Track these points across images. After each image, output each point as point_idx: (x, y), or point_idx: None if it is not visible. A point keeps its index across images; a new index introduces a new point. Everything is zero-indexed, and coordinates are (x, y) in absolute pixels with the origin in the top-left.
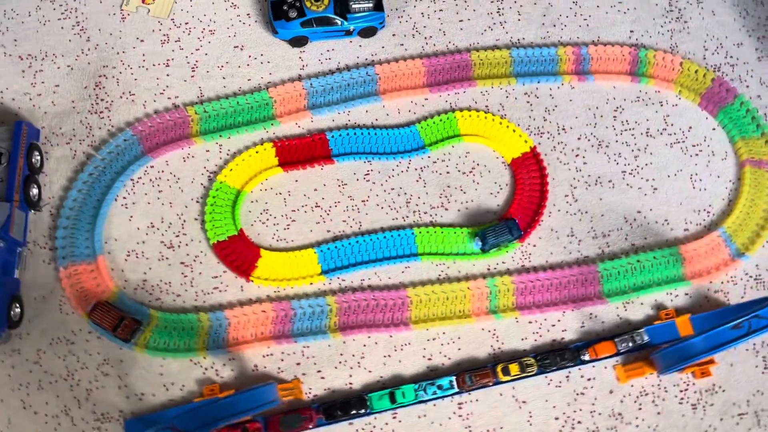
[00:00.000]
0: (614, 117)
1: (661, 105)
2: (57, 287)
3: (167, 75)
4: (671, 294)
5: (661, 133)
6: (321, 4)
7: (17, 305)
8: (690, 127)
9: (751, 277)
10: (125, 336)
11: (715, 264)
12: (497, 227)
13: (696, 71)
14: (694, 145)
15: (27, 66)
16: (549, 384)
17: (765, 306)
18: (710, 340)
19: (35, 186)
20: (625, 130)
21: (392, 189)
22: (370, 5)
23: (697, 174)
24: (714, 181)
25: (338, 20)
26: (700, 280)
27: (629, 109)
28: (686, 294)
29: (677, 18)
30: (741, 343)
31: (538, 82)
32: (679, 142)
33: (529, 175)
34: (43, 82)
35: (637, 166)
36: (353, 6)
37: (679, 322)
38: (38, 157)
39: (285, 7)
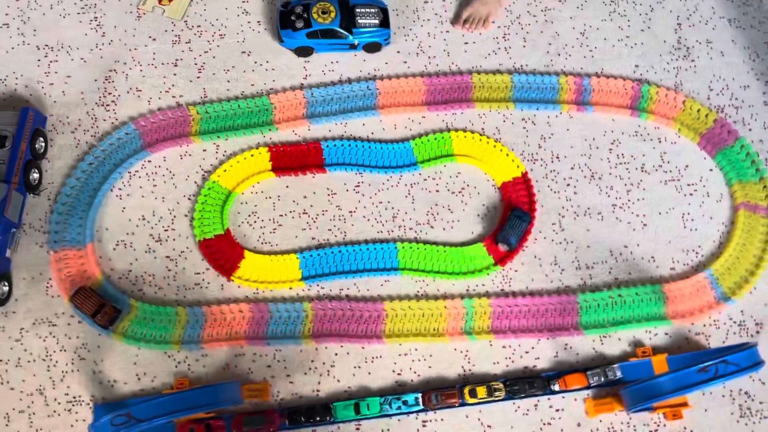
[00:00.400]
0: (610, 150)
1: (660, 141)
2: (46, 270)
3: (174, 74)
4: (650, 332)
5: (657, 170)
6: (328, 17)
7: (5, 283)
8: (687, 166)
9: (735, 322)
10: (104, 323)
11: (698, 306)
12: (511, 224)
13: (698, 110)
14: (689, 185)
15: (43, 56)
16: (516, 411)
17: (735, 352)
18: (676, 381)
19: (36, 171)
20: (620, 163)
21: (380, 202)
22: (376, 22)
23: (689, 213)
24: (706, 222)
25: (344, 34)
26: (682, 320)
27: (626, 143)
28: (666, 333)
29: (684, 56)
30: (706, 387)
31: (537, 109)
32: (674, 180)
33: (517, 200)
34: (56, 72)
35: (629, 201)
36: (359, 21)
37: (655, 361)
38: (42, 143)
39: (293, 17)
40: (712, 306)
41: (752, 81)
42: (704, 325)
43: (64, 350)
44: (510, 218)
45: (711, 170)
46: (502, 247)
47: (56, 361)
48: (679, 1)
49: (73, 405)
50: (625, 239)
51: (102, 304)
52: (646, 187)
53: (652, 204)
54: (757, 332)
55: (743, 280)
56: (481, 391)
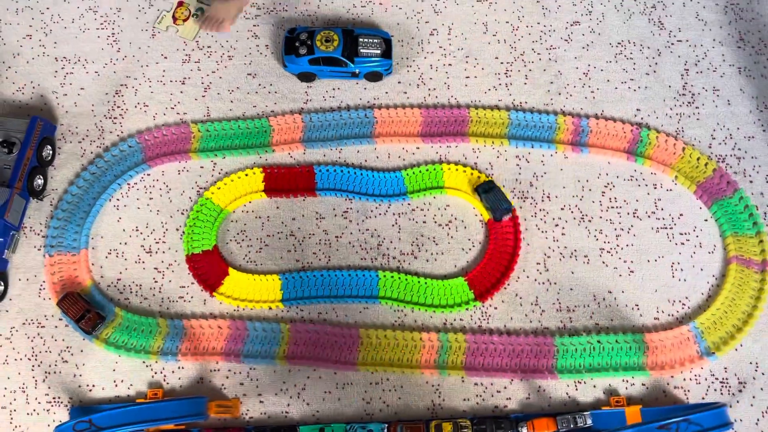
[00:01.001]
0: (603, 193)
1: (655, 188)
2: (41, 273)
3: (181, 92)
4: (627, 381)
5: (649, 216)
6: (330, 45)
7: (2, 283)
8: (681, 215)
9: (716, 379)
10: (87, 328)
11: (680, 359)
12: (487, 199)
13: (698, 159)
14: (681, 233)
15: (60, 67)
16: None
17: (703, 411)
18: None
19: (41, 177)
20: (612, 207)
21: (367, 230)
22: (378, 52)
23: (679, 263)
24: (696, 274)
25: (345, 62)
26: (661, 372)
27: (620, 187)
28: (643, 384)
29: (689, 102)
30: None
31: (532, 147)
32: (666, 228)
33: (503, 236)
34: (71, 84)
35: (617, 246)
36: (361, 51)
37: (628, 412)
38: (50, 151)
39: (297, 44)
40: (694, 360)
41: (758, 132)
42: (684, 379)
43: (49, 351)
44: (482, 198)
45: (706, 221)
46: (505, 217)
47: (41, 362)
48: (688, 47)
49: (52, 405)
50: (610, 284)
51: (87, 309)
52: (636, 233)
53: (642, 251)
54: (740, 391)
55: (729, 336)
56: (447, 427)
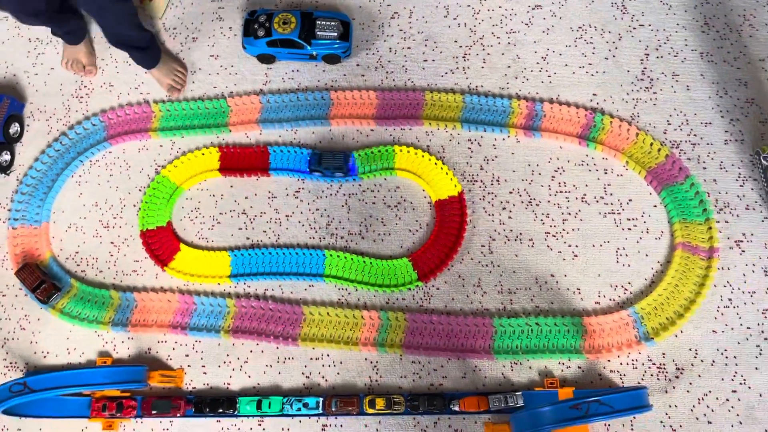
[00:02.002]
0: (552, 177)
1: (605, 173)
2: (4, 244)
3: (145, 72)
4: (563, 364)
5: (597, 201)
6: (288, 28)
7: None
8: (629, 200)
9: (654, 364)
10: (42, 297)
11: (617, 343)
12: (332, 154)
13: (651, 144)
14: (629, 219)
15: (33, 48)
16: (415, 426)
17: (623, 392)
18: (556, 414)
19: (8, 153)
20: (561, 191)
21: (317, 209)
22: (335, 35)
23: (624, 249)
24: (640, 260)
25: (302, 44)
26: (598, 356)
27: (570, 172)
28: (579, 367)
29: (647, 88)
30: (574, 424)
31: (485, 131)
32: (613, 213)
33: (450, 218)
34: (42, 64)
35: (563, 230)
36: (318, 33)
37: (561, 394)
38: (17, 128)
39: (256, 26)
40: (632, 345)
41: (715, 118)
42: (621, 364)
43: (9, 319)
44: (340, 155)
45: (655, 206)
46: (338, 173)
47: (0, 328)
48: (650, 31)
49: (9, 369)
50: (553, 268)
51: (43, 280)
52: (583, 218)
53: (587, 235)
54: (677, 377)
55: (669, 322)
56: (380, 402)
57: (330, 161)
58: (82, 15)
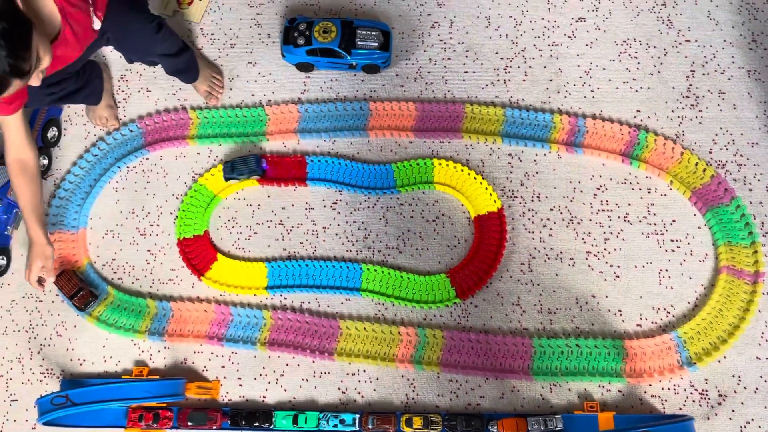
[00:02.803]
0: (594, 195)
1: (649, 192)
2: None
3: None
4: (603, 387)
5: (640, 221)
6: (328, 37)
7: (4, 257)
8: (673, 221)
9: (696, 390)
10: (80, 305)
11: (659, 367)
12: (244, 159)
13: (696, 164)
14: (672, 240)
15: None
16: None
17: (669, 423)
18: None
19: (45, 157)
20: (603, 210)
21: (354, 222)
22: (376, 44)
23: (667, 270)
24: (684, 282)
25: (342, 54)
26: (639, 380)
27: (613, 190)
28: (620, 391)
29: (692, 105)
30: None
31: (525, 146)
32: (657, 234)
33: (489, 235)
34: None
35: (605, 249)
36: (359, 43)
37: (601, 418)
38: (55, 132)
39: (295, 34)
40: (674, 370)
41: (763, 138)
42: (662, 389)
43: (45, 325)
44: (251, 157)
45: (699, 228)
46: (224, 174)
47: (37, 335)
48: (696, 47)
49: (45, 376)
50: (594, 288)
51: (80, 288)
52: (625, 238)
53: (630, 256)
54: (719, 404)
55: (712, 347)
56: (418, 421)
57: (243, 166)
58: (101, 73)
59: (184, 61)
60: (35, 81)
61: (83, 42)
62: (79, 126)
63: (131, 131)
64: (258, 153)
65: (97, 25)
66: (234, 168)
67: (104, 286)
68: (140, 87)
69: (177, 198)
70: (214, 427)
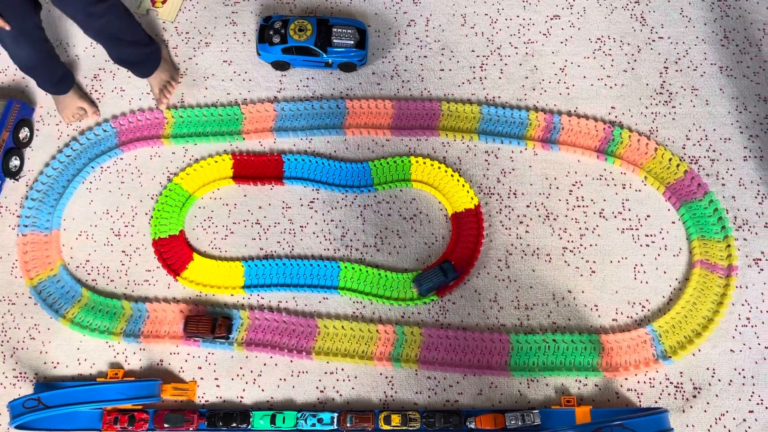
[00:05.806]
0: (570, 191)
1: (623, 188)
2: (14, 251)
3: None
4: (580, 381)
5: (615, 217)
6: (303, 35)
7: None
8: (648, 216)
9: (671, 383)
10: (225, 333)
11: (635, 361)
12: (431, 271)
13: (669, 159)
14: (647, 235)
15: None
16: None
17: (644, 416)
18: None
19: (17, 158)
20: (578, 206)
21: (332, 220)
22: (351, 42)
23: (642, 265)
24: (658, 277)
25: (317, 52)
26: (615, 374)
27: (588, 186)
28: (596, 385)
29: (666, 102)
30: None
31: (502, 143)
32: (632, 229)
33: (466, 232)
34: None
35: (581, 245)
36: (334, 41)
37: (578, 412)
38: (27, 133)
39: (270, 32)
40: (650, 363)
41: (735, 134)
42: (638, 382)
43: (18, 328)
44: (437, 268)
45: (673, 223)
46: (414, 288)
47: (9, 338)
48: (669, 44)
49: (18, 380)
50: (570, 284)
51: (213, 320)
52: (601, 234)
53: (605, 251)
54: (694, 396)
55: (687, 341)
56: (396, 418)
57: (430, 279)
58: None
59: (134, 53)
60: None
61: None
62: (51, 126)
63: (105, 131)
64: (444, 260)
65: None
66: (421, 284)
67: (78, 288)
68: (114, 86)
69: (152, 198)
70: (191, 429)
